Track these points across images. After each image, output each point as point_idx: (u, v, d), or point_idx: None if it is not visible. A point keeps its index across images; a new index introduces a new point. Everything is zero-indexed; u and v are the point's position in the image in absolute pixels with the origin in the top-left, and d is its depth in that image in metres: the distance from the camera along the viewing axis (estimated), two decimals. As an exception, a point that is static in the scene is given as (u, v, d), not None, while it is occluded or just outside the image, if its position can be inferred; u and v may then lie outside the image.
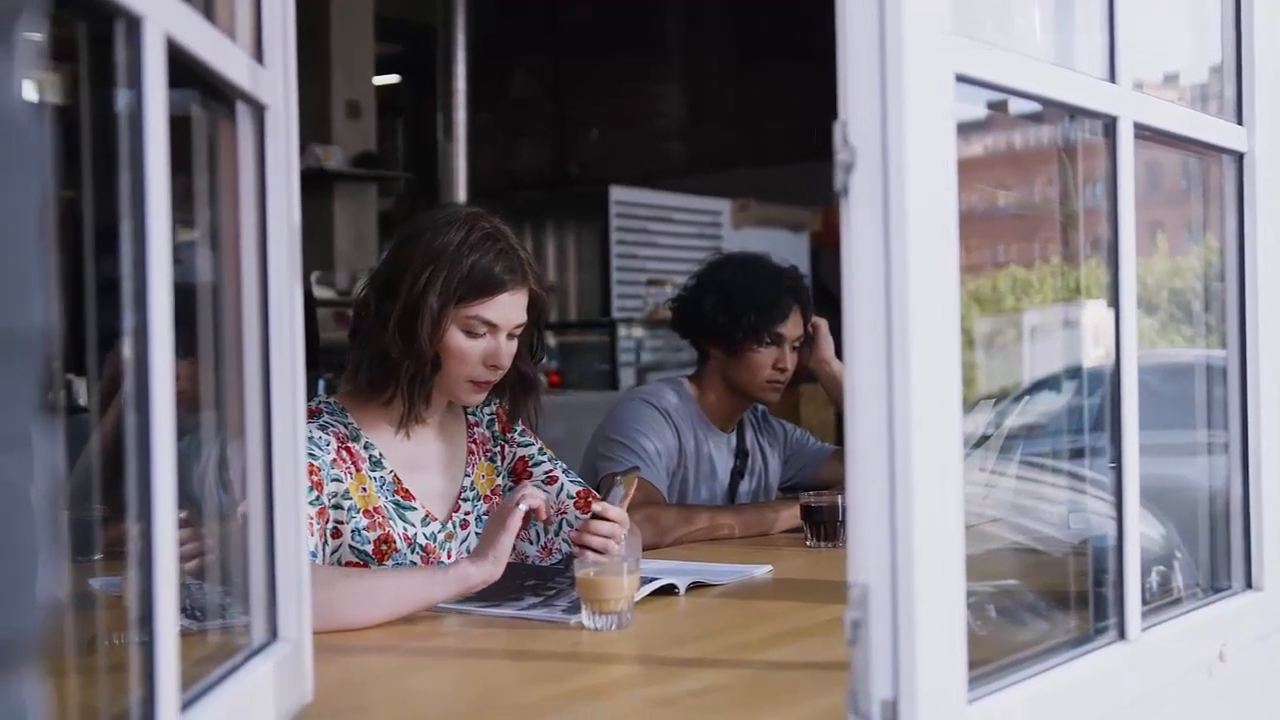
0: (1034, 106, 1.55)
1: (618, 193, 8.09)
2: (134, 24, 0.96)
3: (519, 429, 2.44)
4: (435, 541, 2.27)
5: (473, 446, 2.39)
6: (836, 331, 3.14)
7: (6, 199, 0.54)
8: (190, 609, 1.30)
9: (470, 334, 2.20)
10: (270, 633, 1.36)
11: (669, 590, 2.13)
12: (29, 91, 0.58)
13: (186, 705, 1.08)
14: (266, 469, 1.35)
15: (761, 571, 2.36)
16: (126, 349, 0.97)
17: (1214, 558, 1.84)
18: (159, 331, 0.99)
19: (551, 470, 2.41)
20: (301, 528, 1.40)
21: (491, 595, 2.03)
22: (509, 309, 2.22)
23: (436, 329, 2.18)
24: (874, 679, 1.16)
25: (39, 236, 0.55)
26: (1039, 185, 1.95)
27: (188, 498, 1.12)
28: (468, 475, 2.36)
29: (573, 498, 2.37)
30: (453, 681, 1.70)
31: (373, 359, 2.21)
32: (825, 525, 2.65)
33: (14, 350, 0.53)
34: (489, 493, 2.38)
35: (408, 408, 2.24)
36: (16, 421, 0.53)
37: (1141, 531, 1.55)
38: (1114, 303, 1.51)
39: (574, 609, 1.93)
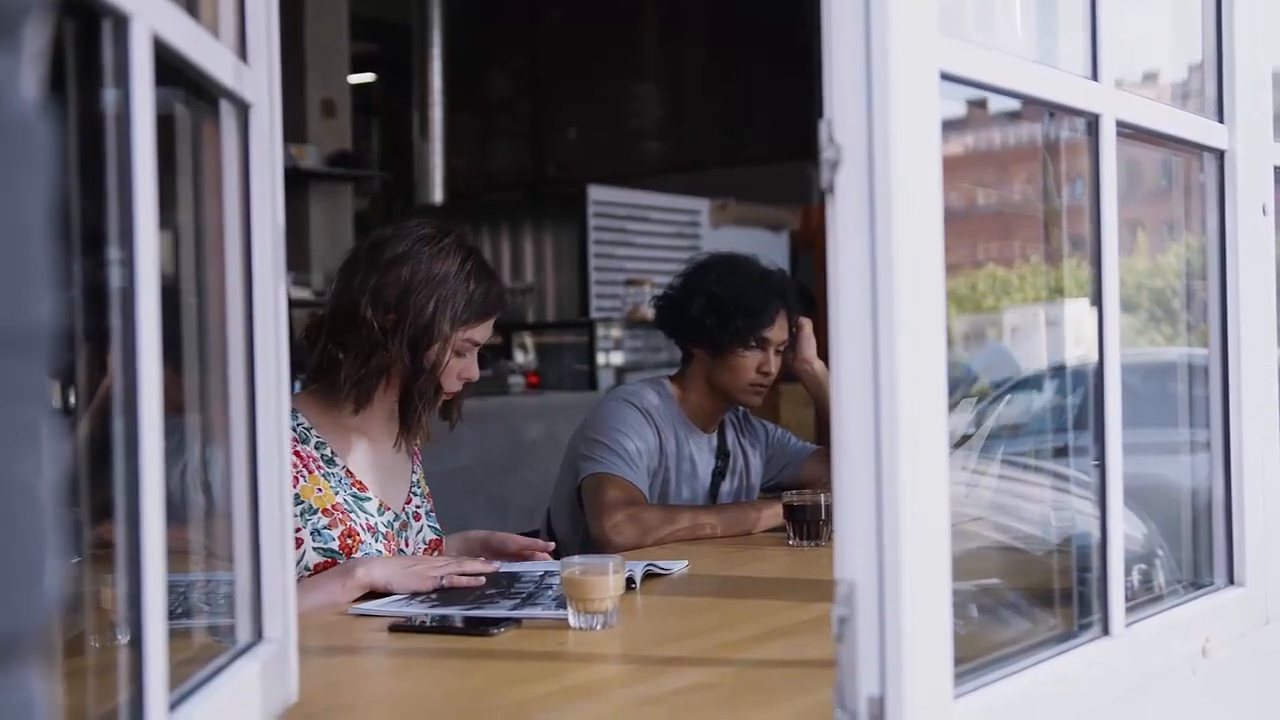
0: (1012, 104, 1.55)
1: (595, 192, 8.07)
2: (121, 22, 0.96)
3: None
4: (393, 529, 2.32)
5: (415, 448, 2.47)
6: (817, 331, 3.16)
7: (15, 198, 0.54)
8: (172, 608, 1.29)
9: (459, 354, 2.29)
10: (255, 633, 1.35)
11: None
12: (35, 90, 0.58)
13: (173, 705, 1.07)
14: (251, 470, 1.34)
15: (678, 567, 2.36)
16: (114, 351, 0.97)
17: (1196, 554, 1.85)
18: (146, 332, 0.98)
19: (426, 507, 2.47)
20: (287, 529, 1.39)
21: (474, 601, 2.03)
22: (490, 329, 2.34)
23: (444, 353, 2.26)
24: (861, 675, 1.16)
25: (46, 235, 0.56)
26: (1017, 183, 1.96)
27: (169, 500, 1.11)
28: (414, 472, 2.45)
29: (425, 543, 2.42)
30: (438, 681, 1.70)
31: (376, 374, 2.26)
32: (808, 524, 2.65)
33: (22, 346, 0.53)
34: (426, 493, 2.47)
35: (410, 426, 2.30)
36: (26, 417, 0.54)
37: (1124, 530, 1.56)
38: (1096, 300, 1.52)
39: (563, 604, 1.92)
